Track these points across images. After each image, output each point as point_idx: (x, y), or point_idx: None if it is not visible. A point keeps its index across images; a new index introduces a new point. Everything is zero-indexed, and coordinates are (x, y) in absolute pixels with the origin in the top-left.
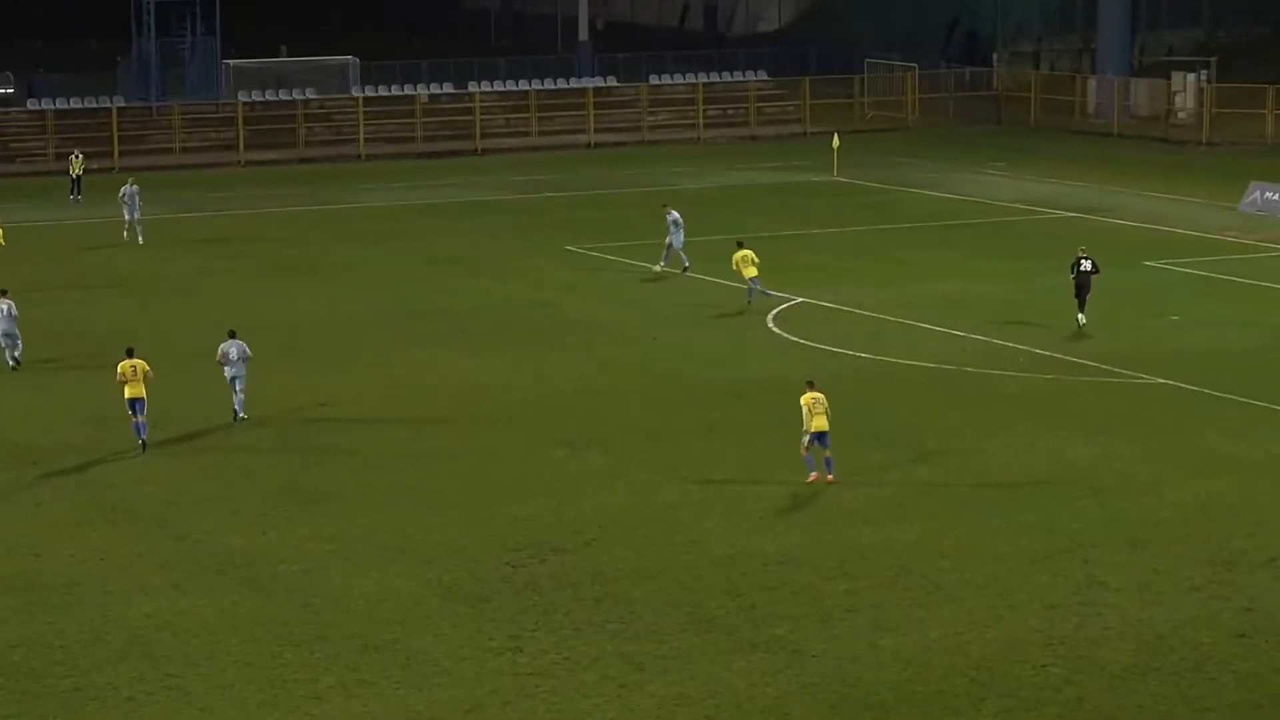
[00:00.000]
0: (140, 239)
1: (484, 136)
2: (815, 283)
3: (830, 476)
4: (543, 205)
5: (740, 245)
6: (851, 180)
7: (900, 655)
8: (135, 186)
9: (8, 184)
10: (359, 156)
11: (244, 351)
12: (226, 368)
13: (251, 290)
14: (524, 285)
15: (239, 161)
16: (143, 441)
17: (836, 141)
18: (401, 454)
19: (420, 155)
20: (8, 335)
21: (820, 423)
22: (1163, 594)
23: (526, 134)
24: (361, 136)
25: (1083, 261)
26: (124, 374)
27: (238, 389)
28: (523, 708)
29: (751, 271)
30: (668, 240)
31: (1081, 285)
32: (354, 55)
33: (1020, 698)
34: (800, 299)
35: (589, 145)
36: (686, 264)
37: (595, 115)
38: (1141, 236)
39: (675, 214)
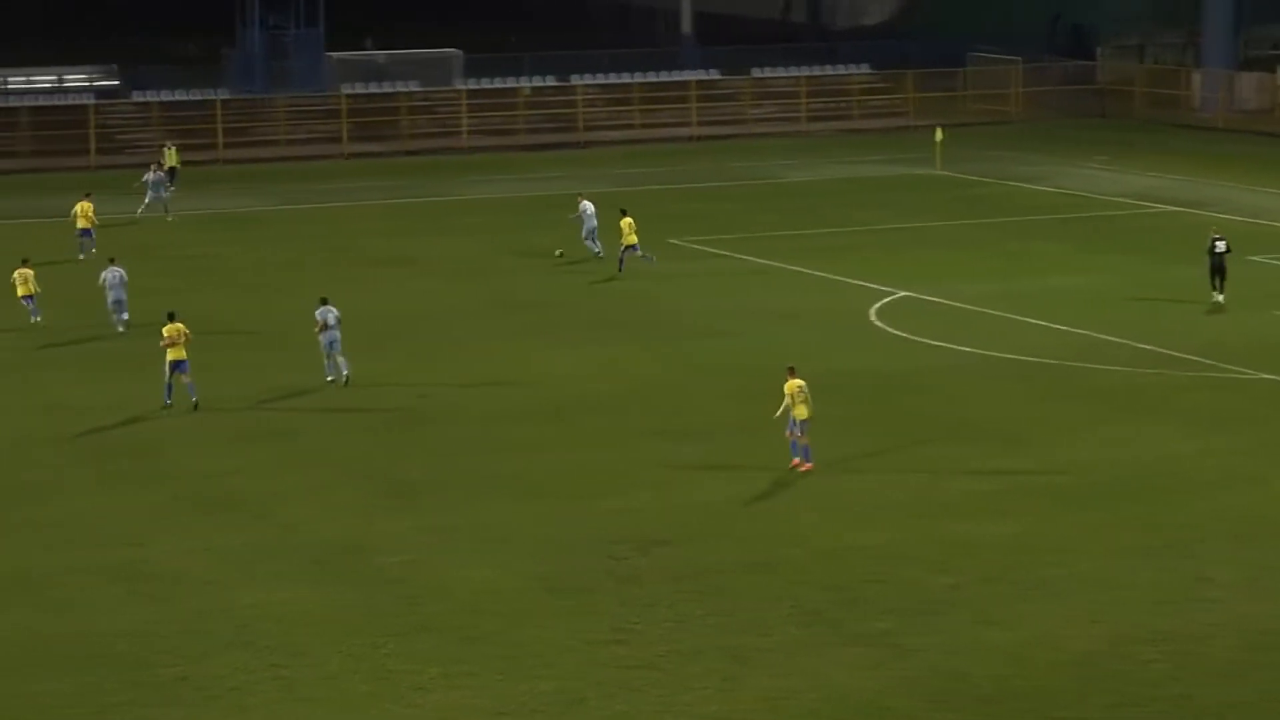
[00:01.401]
0: (169, 217)
1: (587, 129)
2: (918, 276)
3: (809, 464)
4: (645, 198)
5: (624, 213)
6: (955, 174)
7: (1003, 649)
8: (162, 172)
9: (111, 176)
10: (462, 149)
11: (338, 317)
12: (323, 334)
13: (351, 281)
14: (625, 277)
15: (343, 154)
16: (195, 402)
17: (940, 135)
18: (500, 445)
19: (523, 148)
20: (117, 302)
21: (801, 411)
22: (1270, 589)
23: (629, 126)
24: (465, 129)
25: (1217, 243)
26: (170, 337)
27: (335, 352)
28: (626, 700)
29: (631, 239)
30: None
31: (1217, 266)
32: (457, 48)
33: (1125, 693)
34: (903, 292)
35: (692, 138)
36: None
37: (698, 108)
38: (1246, 231)
39: (588, 204)
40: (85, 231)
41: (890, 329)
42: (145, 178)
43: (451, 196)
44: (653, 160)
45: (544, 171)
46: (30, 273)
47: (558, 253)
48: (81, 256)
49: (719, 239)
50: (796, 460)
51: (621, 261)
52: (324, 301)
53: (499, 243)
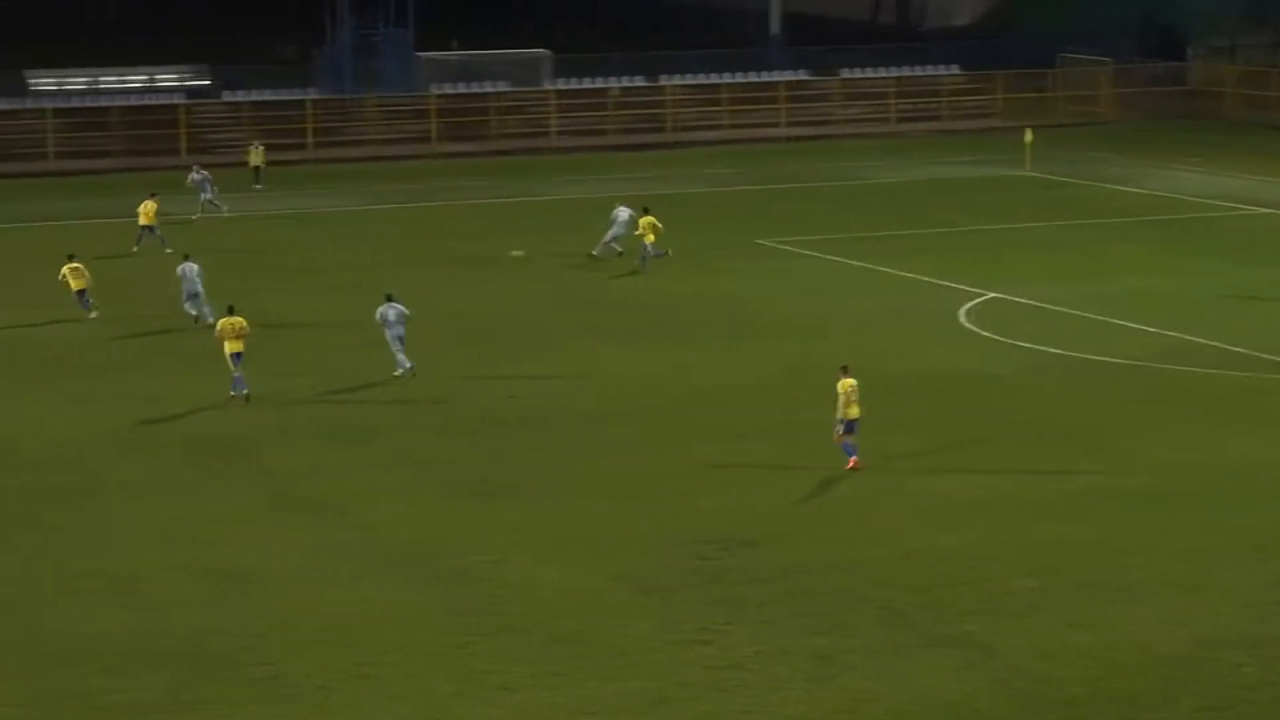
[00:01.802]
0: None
1: (676, 129)
2: (1007, 277)
3: (856, 460)
4: (734, 198)
5: (646, 212)
6: (1045, 175)
7: (1090, 652)
8: (205, 173)
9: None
10: (552, 149)
11: (402, 314)
12: (386, 329)
13: (437, 280)
14: (711, 278)
15: (432, 154)
16: (245, 395)
17: (1030, 136)
18: (582, 445)
19: (612, 148)
20: (192, 296)
21: (854, 410)
22: None
23: (718, 127)
24: (554, 129)
25: None
26: (225, 330)
27: (399, 347)
28: (712, 700)
29: (650, 238)
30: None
31: None
32: (546, 48)
33: (1213, 697)
34: (991, 294)
35: (781, 139)
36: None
37: (788, 109)
38: None
39: (623, 210)
40: (148, 229)
41: (978, 330)
42: (191, 178)
43: (540, 196)
44: (742, 161)
45: (633, 172)
46: (81, 267)
47: (516, 253)
48: (135, 249)
49: (807, 239)
50: (854, 460)
51: (644, 260)
52: (389, 298)
53: (586, 243)
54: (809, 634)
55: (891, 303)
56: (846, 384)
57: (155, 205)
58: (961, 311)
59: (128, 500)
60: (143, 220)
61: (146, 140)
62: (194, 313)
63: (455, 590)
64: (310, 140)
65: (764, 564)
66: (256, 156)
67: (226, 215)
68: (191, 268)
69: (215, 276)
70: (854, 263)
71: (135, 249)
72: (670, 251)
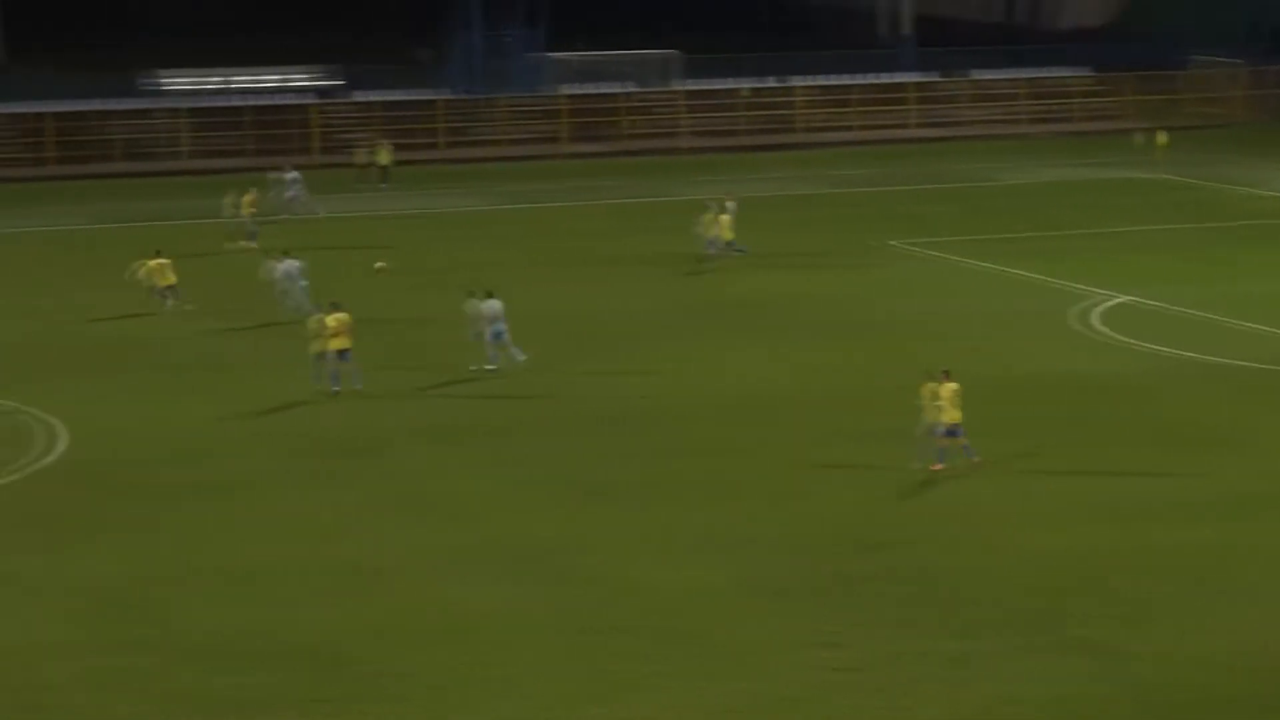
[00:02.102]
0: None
1: (805, 130)
2: (1136, 280)
3: (940, 465)
4: (863, 199)
5: (722, 209)
6: (1176, 177)
7: (1214, 658)
8: (295, 172)
9: (331, 175)
10: (681, 150)
11: (498, 310)
12: (485, 326)
13: (563, 280)
14: (838, 279)
15: (562, 154)
16: (358, 389)
17: (1161, 138)
18: (702, 446)
19: (741, 148)
20: (286, 293)
21: (955, 415)
22: None
23: (848, 128)
24: (683, 130)
25: None
26: (330, 327)
27: (502, 343)
28: (842, 703)
29: (728, 235)
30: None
31: None
32: (675, 49)
33: None
34: (1121, 297)
35: (911, 140)
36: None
37: (917, 110)
38: None
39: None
40: (247, 222)
41: (1107, 333)
42: (279, 176)
43: (668, 197)
44: (871, 162)
45: (762, 173)
46: (167, 263)
47: (378, 265)
48: (243, 243)
49: (936, 241)
50: (938, 465)
51: (721, 248)
52: (488, 294)
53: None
54: (938, 637)
55: (1018, 305)
56: (947, 388)
57: (250, 199)
58: (1090, 314)
59: (248, 497)
60: (244, 213)
61: (278, 140)
62: (293, 306)
63: (574, 590)
64: (440, 140)
65: (889, 566)
66: (383, 156)
67: (319, 215)
68: (293, 264)
69: (336, 275)
70: (982, 265)
71: (235, 244)
72: (731, 247)
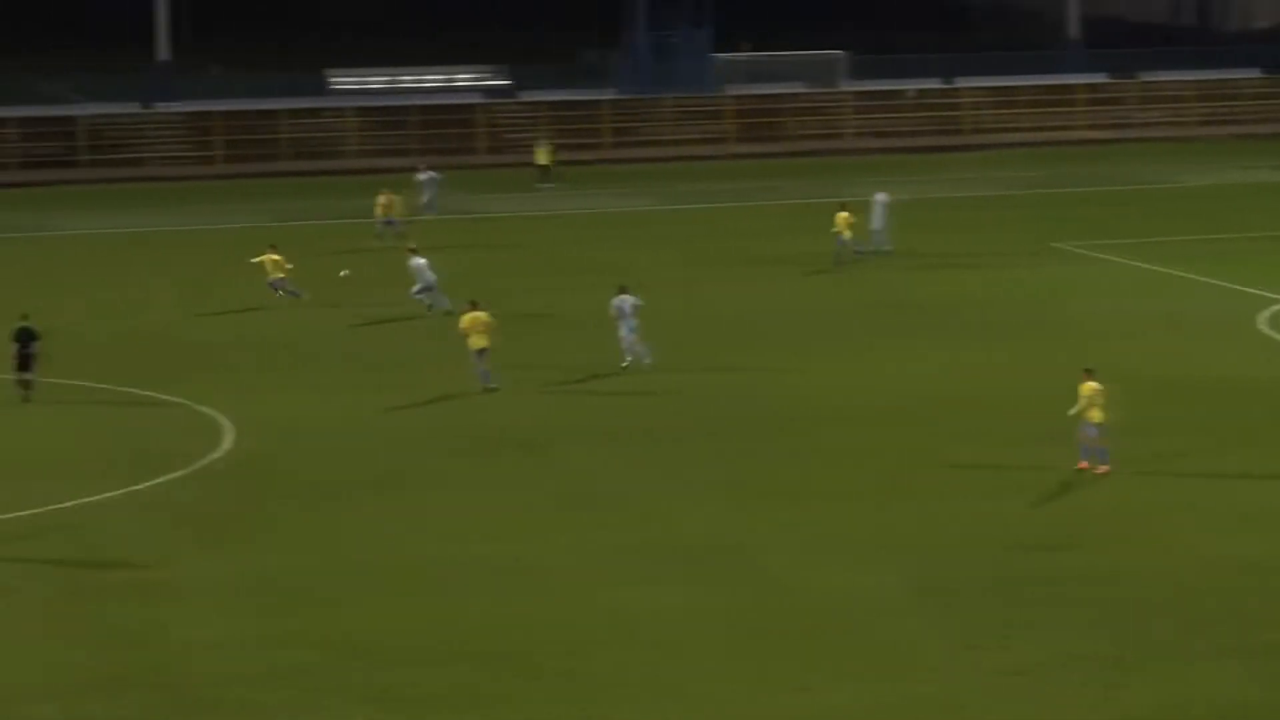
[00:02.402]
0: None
1: (972, 131)
2: None
3: (1105, 466)
4: (1030, 201)
5: (843, 207)
6: None
7: None
8: (433, 173)
9: (498, 174)
10: (847, 150)
11: (636, 306)
12: (621, 322)
13: (721, 280)
14: (1005, 281)
15: (728, 154)
16: (490, 387)
17: None
18: (864, 447)
19: (908, 150)
20: (426, 289)
21: (1096, 415)
22: None
23: (1015, 129)
24: (849, 130)
25: None
26: (469, 325)
27: (632, 339)
28: (1007, 705)
29: (846, 233)
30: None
31: None
32: (842, 49)
33: None
34: None
35: (1078, 141)
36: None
37: (1085, 111)
38: None
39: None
40: (388, 221)
41: (1278, 336)
42: (419, 176)
43: (833, 198)
44: (1038, 163)
45: (928, 174)
46: (279, 258)
47: (343, 273)
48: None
49: (1104, 243)
50: (1084, 464)
51: (838, 255)
52: (622, 290)
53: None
54: (1103, 640)
55: (1186, 307)
56: (1089, 387)
57: (388, 199)
58: (1260, 317)
59: (413, 495)
60: (380, 214)
61: (444, 139)
62: (428, 302)
63: (742, 591)
64: (606, 140)
65: (1054, 568)
66: (542, 155)
67: (440, 218)
68: (420, 262)
69: (495, 274)
70: (1151, 267)
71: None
72: (865, 251)
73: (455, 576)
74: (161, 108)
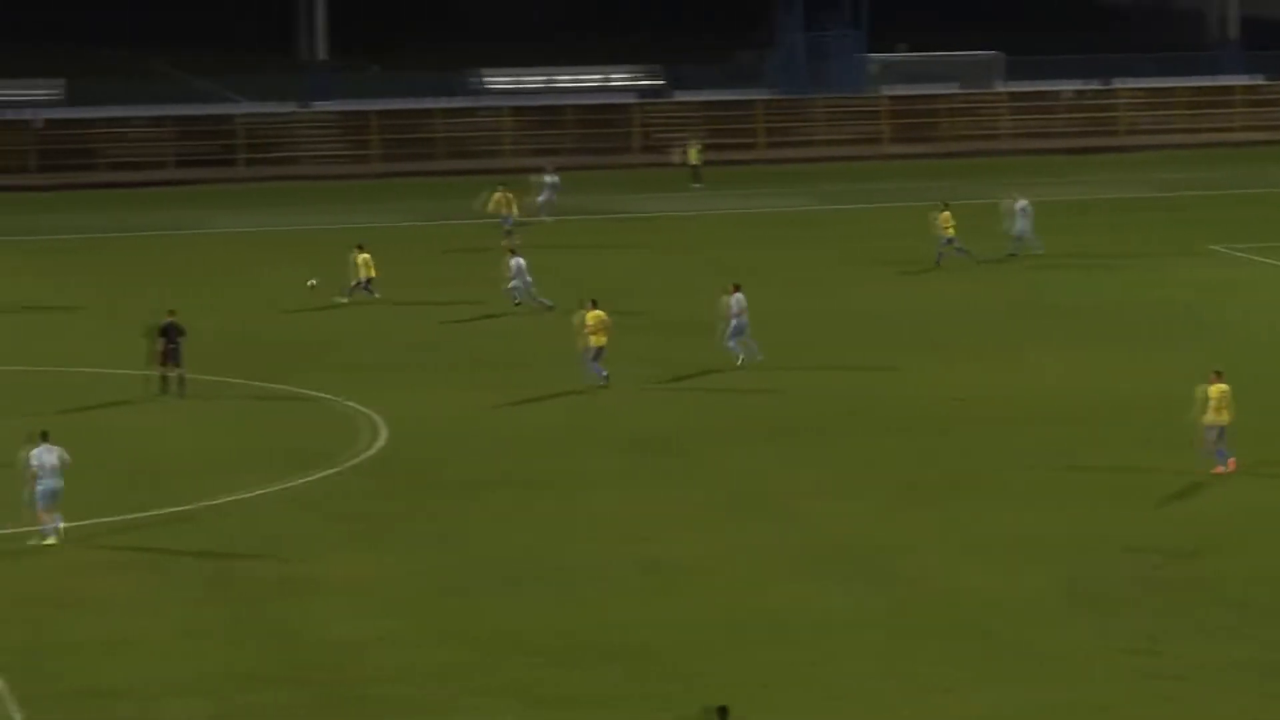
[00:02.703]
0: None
1: (1128, 133)
2: None
3: (1226, 466)
4: (1186, 203)
5: (945, 206)
6: None
7: None
8: (555, 176)
9: (652, 174)
10: (1001, 151)
11: (743, 304)
12: (731, 321)
13: (871, 280)
14: (1159, 283)
15: (882, 155)
16: (604, 378)
17: None
18: (1019, 448)
19: (1063, 151)
20: (519, 288)
21: (1224, 416)
22: None
23: (1172, 131)
24: (1004, 131)
25: None
26: (591, 325)
27: (744, 335)
28: (1158, 710)
29: (950, 232)
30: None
31: None
32: (997, 50)
33: None
34: None
35: (1236, 143)
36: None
37: (1243, 113)
38: None
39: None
40: (502, 219)
41: None
42: (542, 179)
43: (987, 199)
44: (1195, 165)
45: (1082, 175)
46: (368, 257)
47: (311, 283)
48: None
49: (1263, 246)
50: (1220, 468)
51: (940, 254)
52: (735, 288)
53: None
54: (1259, 646)
55: None
56: (1217, 389)
57: (502, 196)
58: None
59: (563, 494)
60: (502, 210)
61: (599, 139)
62: (517, 299)
63: (901, 592)
64: (760, 140)
65: (1207, 573)
66: (693, 155)
67: (549, 222)
68: (519, 262)
69: (641, 274)
70: None
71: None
72: (971, 252)
73: (606, 576)
74: (318, 107)
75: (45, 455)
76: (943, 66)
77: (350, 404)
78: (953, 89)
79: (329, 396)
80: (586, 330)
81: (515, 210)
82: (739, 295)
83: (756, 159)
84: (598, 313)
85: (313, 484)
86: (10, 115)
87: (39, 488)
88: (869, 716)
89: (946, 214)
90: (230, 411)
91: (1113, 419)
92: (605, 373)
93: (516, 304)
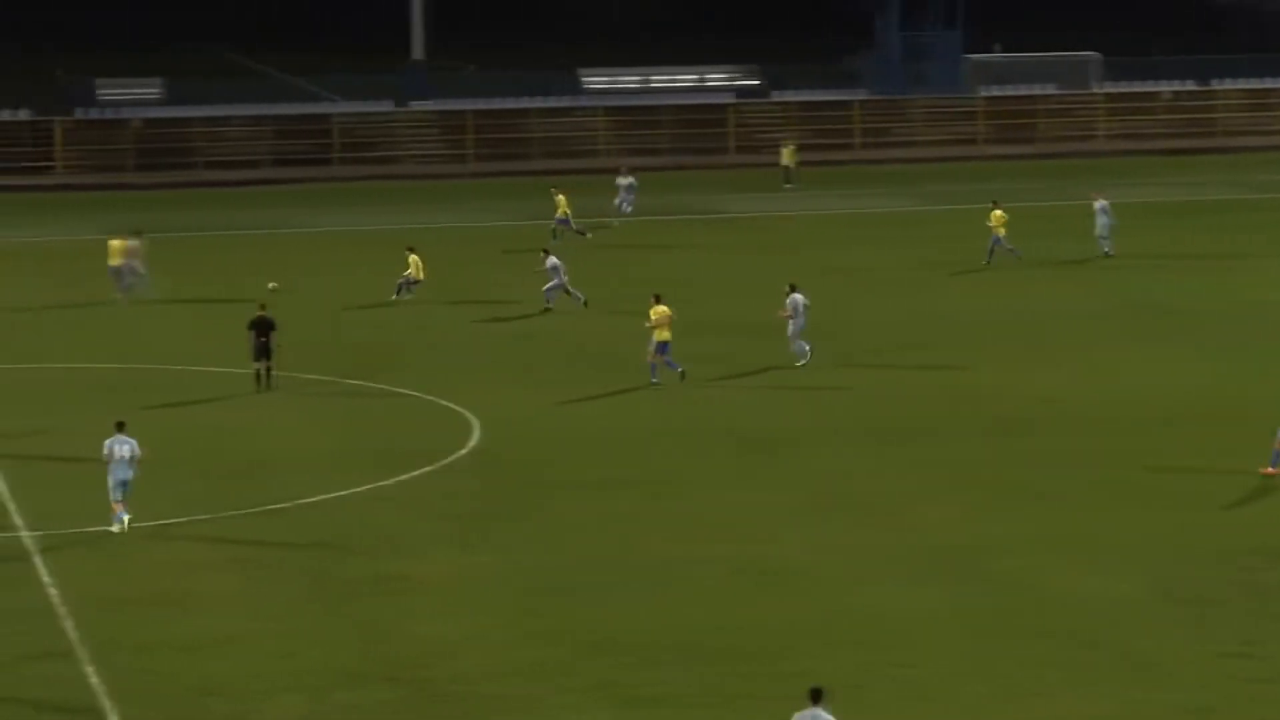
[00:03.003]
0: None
1: (1225, 134)
2: None
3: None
4: None
5: (995, 204)
6: None
7: None
8: (632, 178)
9: (748, 174)
10: (1098, 152)
11: (805, 304)
12: (793, 320)
13: (968, 282)
14: (1257, 286)
15: (978, 155)
16: (681, 372)
17: None
18: (1118, 451)
19: (1160, 152)
20: (556, 286)
21: None
22: None
23: (1272, 132)
24: (1101, 132)
25: None
26: (656, 319)
27: (795, 334)
28: (1255, 714)
29: (1001, 231)
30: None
31: None
32: (1094, 50)
33: None
34: None
35: None
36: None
37: None
38: None
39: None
40: (563, 220)
41: None
42: (619, 181)
43: (1083, 200)
44: None
45: (1179, 177)
46: (417, 258)
47: (270, 286)
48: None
49: None
50: (1270, 469)
51: (991, 252)
52: (793, 288)
53: (1129, 245)
54: None
55: None
56: None
57: (563, 197)
58: None
59: (662, 492)
60: (558, 213)
61: (695, 139)
62: (549, 303)
63: (993, 594)
64: (856, 141)
65: None
66: (786, 156)
67: (615, 225)
68: (554, 262)
69: (732, 274)
70: None
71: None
72: (1021, 253)
73: (698, 576)
74: (415, 106)
75: (118, 446)
76: (1040, 67)
77: (442, 401)
78: (1050, 89)
79: (421, 394)
80: (652, 325)
81: (567, 210)
82: (795, 296)
83: (853, 159)
84: (661, 308)
85: (407, 482)
86: (110, 115)
87: (110, 478)
88: (959, 718)
89: (999, 213)
90: (324, 409)
91: (1205, 421)
92: (680, 367)
93: (547, 306)
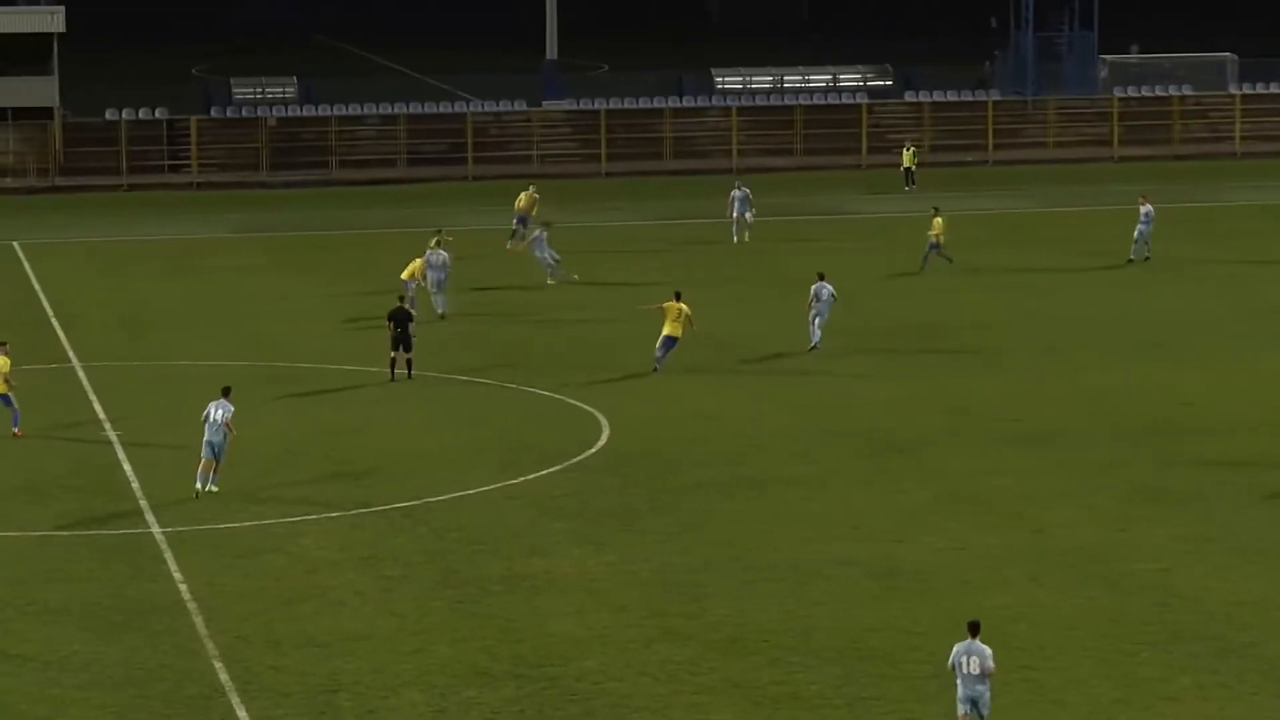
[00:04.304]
0: (745, 237)
1: None
2: None
3: None
4: None
5: (936, 212)
6: None
7: None
8: (745, 190)
9: (880, 175)
10: (1234, 154)
11: (831, 295)
12: (815, 306)
13: (1108, 285)
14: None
15: (1112, 157)
16: (657, 368)
17: None
18: (1249, 454)
19: None
20: (554, 273)
21: None
22: None
23: None
24: (1238, 134)
25: None
26: (668, 312)
27: (818, 324)
28: None
29: (938, 237)
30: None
31: None
32: (1231, 52)
33: None
34: None
35: None
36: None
37: None
38: None
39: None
40: (520, 219)
41: None
42: (734, 194)
43: (1219, 202)
44: None
45: None
46: (420, 263)
47: (446, 236)
48: (509, 245)
49: None
50: None
51: (925, 258)
52: (820, 277)
53: (1261, 249)
54: None
55: None
56: None
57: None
58: None
59: (808, 495)
60: (520, 206)
61: (827, 139)
62: (555, 277)
63: (1124, 597)
64: (989, 142)
65: None
66: (907, 158)
67: (736, 243)
68: (541, 234)
69: (851, 275)
70: None
71: (509, 245)
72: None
73: (830, 576)
74: (549, 106)
75: (215, 410)
76: (1175, 68)
77: (570, 400)
78: (1185, 91)
79: (548, 393)
80: (665, 316)
81: (535, 212)
82: (820, 284)
83: (985, 160)
84: (677, 304)
85: (536, 480)
86: (245, 114)
87: (204, 438)
88: None
89: (939, 220)
90: (451, 406)
91: None
92: (662, 364)
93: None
